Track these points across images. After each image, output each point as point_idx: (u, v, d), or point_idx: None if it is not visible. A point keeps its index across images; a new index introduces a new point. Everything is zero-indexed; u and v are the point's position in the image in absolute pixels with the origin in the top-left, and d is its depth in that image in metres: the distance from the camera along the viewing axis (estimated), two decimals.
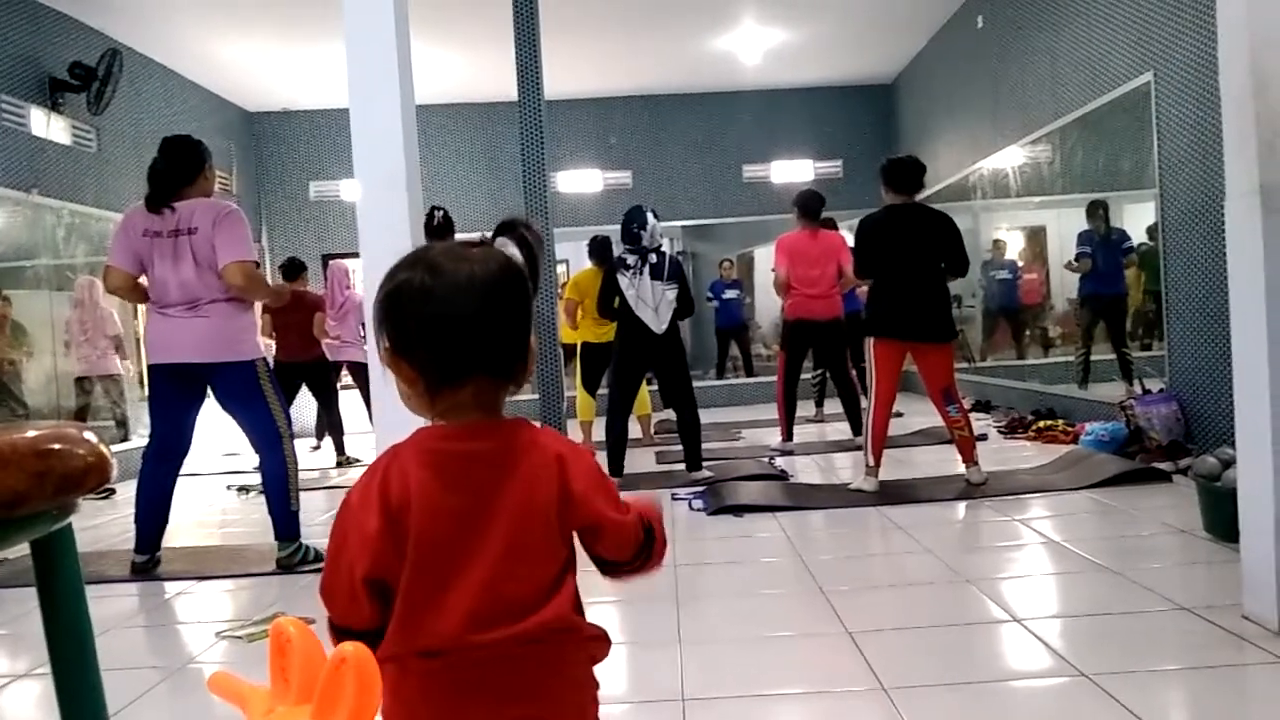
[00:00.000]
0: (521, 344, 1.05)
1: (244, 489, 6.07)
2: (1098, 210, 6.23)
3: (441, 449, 1.03)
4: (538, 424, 1.11)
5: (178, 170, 3.72)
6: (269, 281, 3.86)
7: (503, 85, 8.03)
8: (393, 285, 1.05)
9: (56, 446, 0.93)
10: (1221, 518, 3.20)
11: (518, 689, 1.01)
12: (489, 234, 1.11)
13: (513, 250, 1.09)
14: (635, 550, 1.12)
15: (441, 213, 5.62)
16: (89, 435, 0.96)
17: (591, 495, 1.06)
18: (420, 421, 1.09)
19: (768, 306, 10.58)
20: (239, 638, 2.95)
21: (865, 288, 4.74)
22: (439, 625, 0.99)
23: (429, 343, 1.02)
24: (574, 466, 1.05)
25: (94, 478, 0.95)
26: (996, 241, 8.26)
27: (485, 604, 1.00)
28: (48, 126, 6.75)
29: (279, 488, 3.77)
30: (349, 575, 1.02)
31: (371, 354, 3.12)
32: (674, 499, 4.78)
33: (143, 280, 3.77)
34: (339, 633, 1.04)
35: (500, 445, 1.05)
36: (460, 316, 1.01)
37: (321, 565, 3.62)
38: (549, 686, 1.04)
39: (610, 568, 1.14)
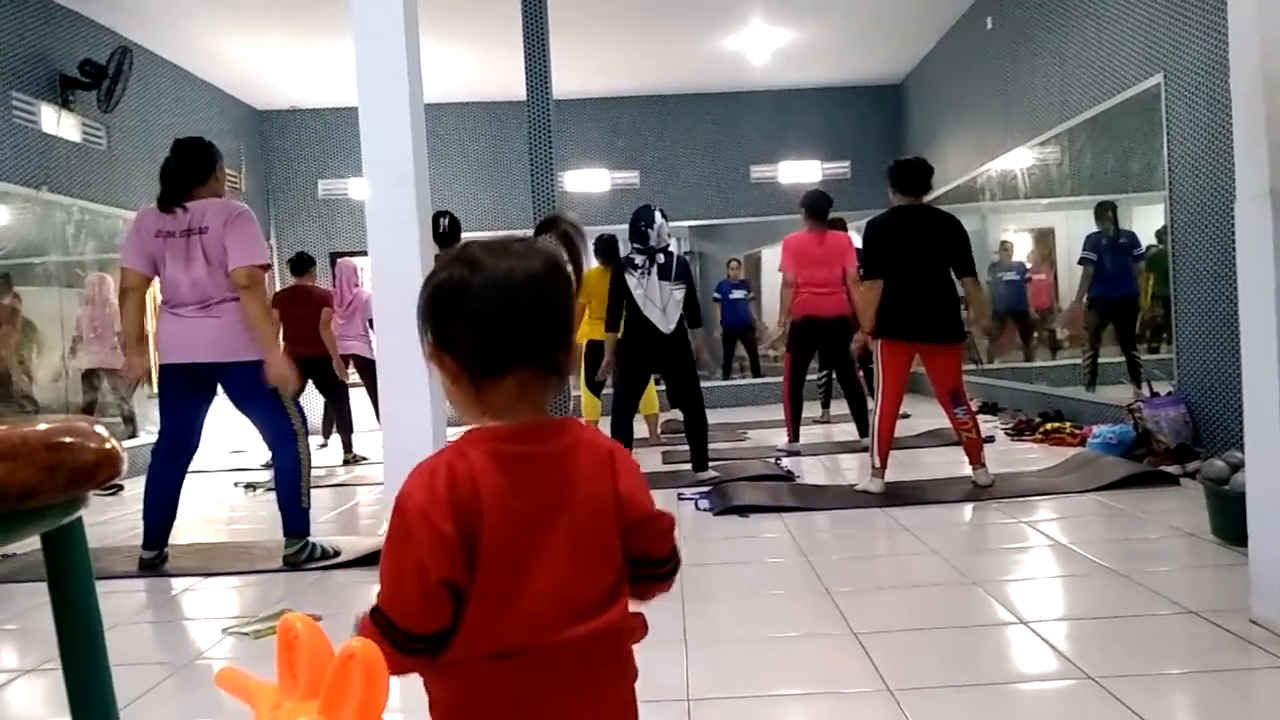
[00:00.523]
0: (563, 335, 1.05)
1: (251, 486, 6.08)
2: (1106, 212, 6.20)
3: (508, 451, 1.03)
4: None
5: (189, 170, 3.74)
6: (277, 284, 3.88)
7: (511, 84, 8.05)
8: (434, 284, 1.06)
9: (68, 440, 0.94)
10: (1229, 521, 3.19)
11: (587, 682, 1.03)
12: (530, 232, 1.12)
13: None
14: (673, 542, 1.13)
15: (447, 220, 5.63)
16: (100, 429, 0.97)
17: (636, 489, 1.09)
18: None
19: (774, 307, 10.56)
20: (246, 634, 2.96)
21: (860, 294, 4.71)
22: (511, 629, 1.00)
23: (469, 334, 1.03)
24: (621, 463, 1.08)
25: (104, 471, 0.95)
26: (1004, 243, 8.25)
27: (557, 607, 1.01)
28: (58, 124, 6.77)
29: (291, 484, 3.78)
30: (422, 578, 0.98)
31: (380, 352, 3.13)
32: (680, 499, 4.78)
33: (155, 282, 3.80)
34: (408, 639, 1.00)
35: (562, 446, 1.06)
36: (500, 307, 1.02)
37: (328, 562, 3.62)
38: (613, 677, 1.08)
39: (647, 569, 1.11)
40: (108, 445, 0.96)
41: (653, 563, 1.11)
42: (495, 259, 1.04)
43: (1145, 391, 5.39)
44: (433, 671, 1.04)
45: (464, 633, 1.01)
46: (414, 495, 1.01)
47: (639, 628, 1.10)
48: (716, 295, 10.71)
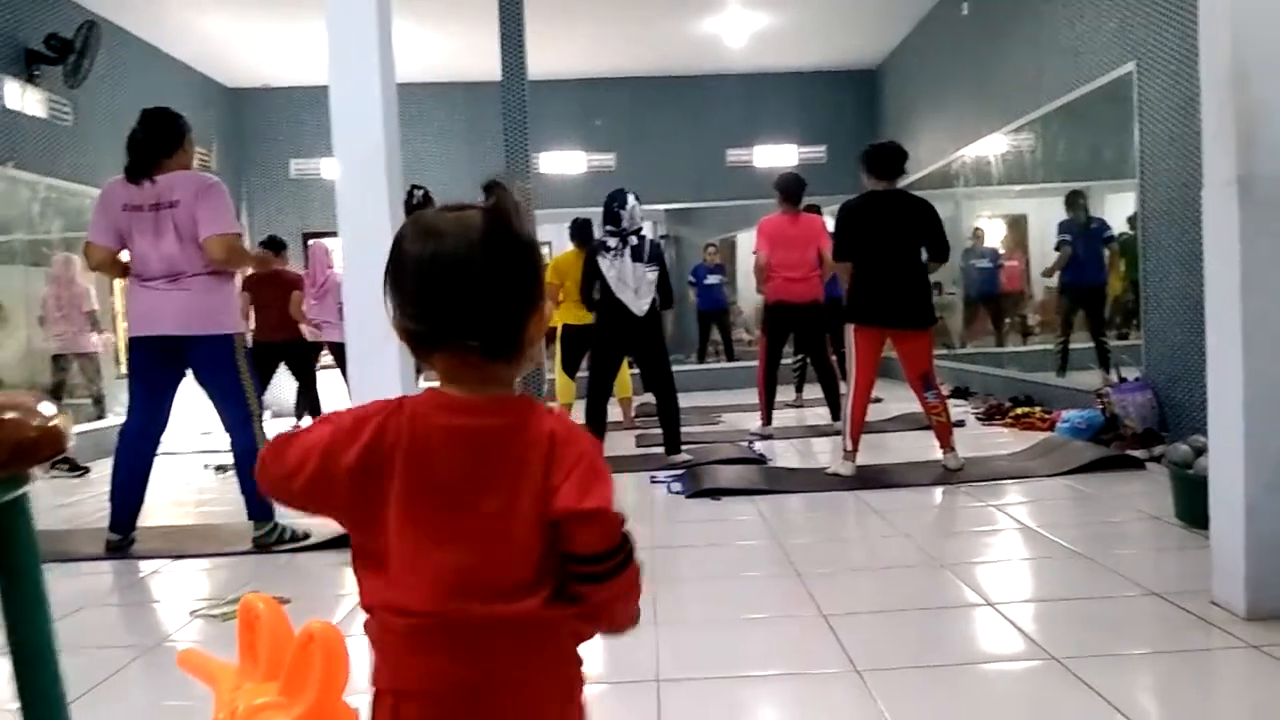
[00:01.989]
0: (496, 318, 0.99)
1: (221, 468, 6.03)
2: (1077, 200, 6.27)
3: (440, 420, 1.00)
4: (547, 405, 1.05)
5: (157, 141, 3.68)
6: (249, 251, 3.83)
7: (487, 65, 7.99)
8: (389, 255, 1.05)
9: (8, 416, 0.92)
10: (1193, 505, 3.23)
11: (492, 666, 1.00)
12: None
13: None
14: (614, 543, 1.01)
15: (422, 191, 5.57)
16: (44, 406, 0.95)
17: (568, 481, 0.98)
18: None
19: (750, 291, 10.59)
20: (214, 616, 2.94)
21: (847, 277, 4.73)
22: (416, 591, 0.98)
23: (397, 312, 1.02)
24: (560, 451, 0.99)
25: (47, 448, 0.94)
26: (977, 229, 8.30)
27: (461, 581, 0.98)
28: (23, 99, 6.65)
29: (250, 467, 3.75)
30: (305, 452, 1.00)
31: (349, 333, 3.11)
32: (653, 482, 4.79)
33: (123, 255, 3.74)
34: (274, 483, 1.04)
35: (501, 425, 1.01)
36: (418, 292, 1.00)
37: (297, 545, 3.60)
38: (529, 660, 1.02)
39: (579, 566, 1.01)
40: (51, 422, 0.94)
41: (581, 559, 1.00)
42: (423, 241, 1.01)
43: (1114, 377, 5.45)
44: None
45: (375, 580, 1.01)
46: (342, 415, 1.02)
47: (578, 619, 1.04)
48: (692, 279, 10.71)
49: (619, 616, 1.07)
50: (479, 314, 0.98)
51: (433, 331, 0.99)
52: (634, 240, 5.12)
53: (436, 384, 1.04)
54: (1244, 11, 2.40)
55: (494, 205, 1.02)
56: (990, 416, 6.54)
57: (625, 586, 1.04)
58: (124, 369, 3.89)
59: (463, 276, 0.98)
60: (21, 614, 0.95)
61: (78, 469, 6.11)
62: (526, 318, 1.01)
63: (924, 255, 4.65)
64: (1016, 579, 3.05)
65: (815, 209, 6.70)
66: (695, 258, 11.04)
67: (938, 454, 4.69)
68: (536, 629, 1.01)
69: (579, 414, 5.65)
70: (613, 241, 5.13)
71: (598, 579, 1.01)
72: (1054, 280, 6.60)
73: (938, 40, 8.80)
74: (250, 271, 6.68)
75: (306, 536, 3.81)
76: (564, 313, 6.59)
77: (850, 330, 4.63)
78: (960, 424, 5.84)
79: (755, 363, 6.73)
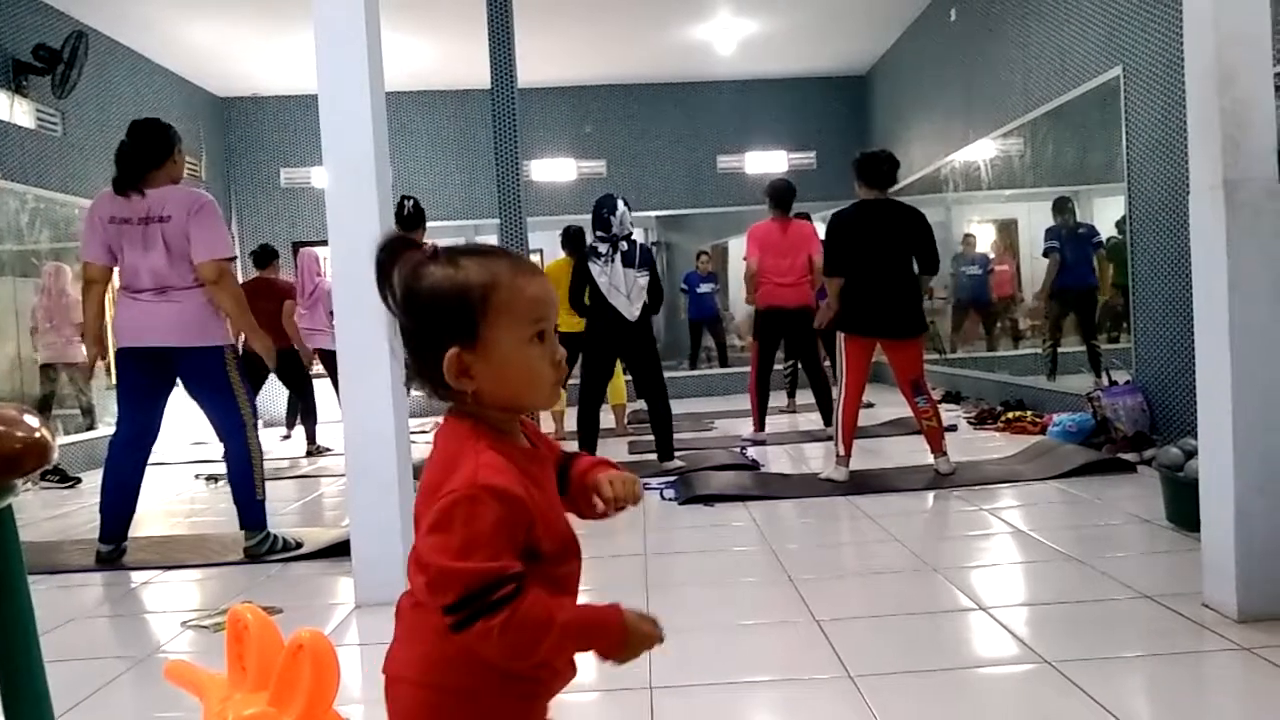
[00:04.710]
0: (417, 359, 1.08)
1: (212, 478, 6.01)
2: (1065, 205, 6.29)
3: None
4: (467, 425, 1.05)
5: (146, 153, 3.67)
6: (240, 293, 3.83)
7: (476, 72, 7.99)
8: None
9: None
10: (1183, 507, 3.24)
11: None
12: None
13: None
14: (446, 601, 0.96)
15: (411, 202, 5.58)
16: (29, 418, 0.95)
17: (421, 514, 1.01)
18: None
19: (741, 297, 10.60)
20: (205, 627, 2.92)
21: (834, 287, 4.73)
22: None
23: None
24: (426, 481, 1.04)
25: (32, 460, 0.94)
26: (967, 236, 8.32)
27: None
28: (11, 110, 6.63)
29: (243, 477, 3.74)
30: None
31: (340, 342, 3.10)
32: (646, 489, 4.77)
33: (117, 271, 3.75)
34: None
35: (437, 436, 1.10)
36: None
37: (290, 554, 3.57)
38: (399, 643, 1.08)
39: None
40: (36, 434, 0.94)
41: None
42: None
43: (1104, 380, 5.47)
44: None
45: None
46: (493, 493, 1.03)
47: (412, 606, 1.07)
48: (684, 286, 10.72)
49: (491, 657, 0.99)
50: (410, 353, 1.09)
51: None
52: (624, 246, 5.12)
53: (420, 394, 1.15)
54: (1229, 16, 2.42)
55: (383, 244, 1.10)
56: (982, 421, 6.55)
57: (478, 638, 0.96)
58: (114, 380, 3.87)
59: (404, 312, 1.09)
60: (6, 626, 0.94)
61: (68, 480, 6.09)
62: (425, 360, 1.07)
63: (915, 265, 4.66)
64: (1009, 583, 3.05)
65: (805, 216, 6.72)
66: (687, 264, 11.04)
67: (930, 459, 4.70)
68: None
69: (571, 421, 5.65)
70: (603, 247, 5.13)
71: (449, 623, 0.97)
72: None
73: (926, 46, 8.84)
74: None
75: (300, 546, 3.80)
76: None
77: (841, 338, 4.64)
78: (952, 428, 5.85)
79: (747, 369, 6.73)
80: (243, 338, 4.03)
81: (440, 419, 1.10)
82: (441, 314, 1.04)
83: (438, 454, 1.05)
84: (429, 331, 1.05)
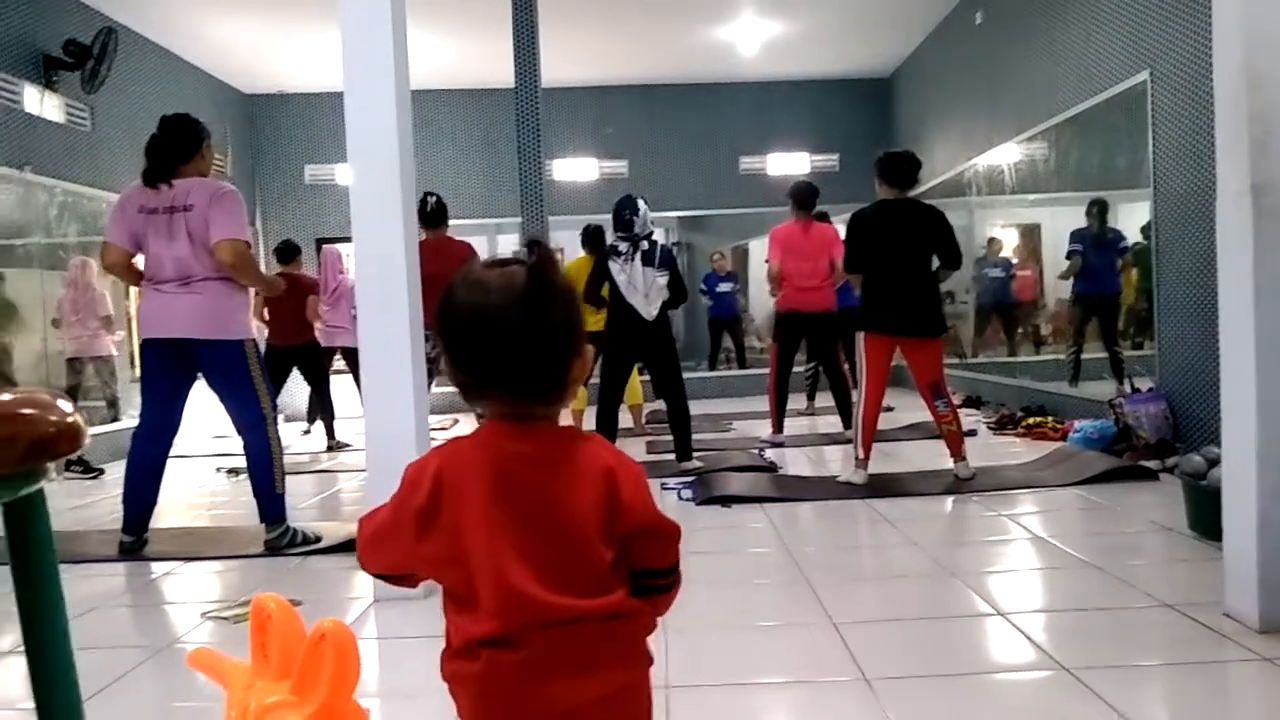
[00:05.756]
0: (539, 369, 1.06)
1: (233, 471, 6.05)
2: (1093, 209, 6.25)
3: (509, 447, 1.09)
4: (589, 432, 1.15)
5: (176, 147, 3.72)
6: (262, 269, 3.85)
7: (500, 71, 8.02)
8: (438, 305, 1.12)
9: (26, 411, 0.94)
10: (1206, 516, 3.21)
11: (564, 674, 1.06)
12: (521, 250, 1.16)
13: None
14: (677, 558, 1.17)
15: (435, 199, 5.61)
16: (62, 402, 0.97)
17: (636, 499, 1.09)
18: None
19: (762, 298, 10.58)
20: (225, 618, 2.95)
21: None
22: (480, 618, 1.04)
23: (448, 359, 1.10)
24: (623, 475, 1.09)
25: (65, 443, 0.95)
26: (991, 240, 8.27)
27: (549, 577, 1.04)
28: (41, 104, 6.71)
29: (263, 470, 3.77)
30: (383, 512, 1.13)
31: (362, 338, 3.12)
32: (663, 489, 4.79)
33: (138, 261, 3.78)
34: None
35: (556, 449, 1.09)
36: (467, 350, 1.07)
37: (309, 548, 3.61)
38: (616, 650, 1.11)
39: (646, 580, 1.14)
40: (69, 418, 0.96)
41: (653, 573, 1.14)
42: (470, 296, 1.08)
43: (1127, 387, 5.43)
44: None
45: (449, 621, 1.09)
46: (406, 472, 1.12)
47: (642, 621, 1.14)
48: (703, 287, 10.71)
49: (664, 611, 1.21)
50: (523, 366, 1.06)
51: (480, 381, 1.08)
52: (644, 245, 5.13)
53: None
54: (1257, 21, 2.40)
55: (535, 262, 1.08)
56: (1002, 426, 6.51)
57: (676, 593, 1.20)
58: (138, 372, 3.91)
59: (507, 333, 1.05)
60: (37, 611, 0.96)
61: (91, 471, 6.15)
62: (568, 364, 1.09)
63: (935, 264, 4.65)
64: (1027, 589, 3.03)
65: (824, 216, 6.70)
66: (707, 265, 11.04)
67: (949, 463, 4.68)
68: (622, 619, 1.09)
69: (590, 420, 5.66)
70: (623, 246, 5.14)
71: (662, 590, 1.16)
72: (1067, 290, 6.58)
73: (951, 49, 8.79)
74: None
75: (319, 540, 3.83)
76: None
77: (861, 338, 4.63)
78: (972, 433, 5.82)
79: (766, 371, 6.72)
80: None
81: (456, 417, 1.12)
82: (577, 315, 1.11)
83: (573, 461, 1.09)
84: (574, 332, 1.09)
